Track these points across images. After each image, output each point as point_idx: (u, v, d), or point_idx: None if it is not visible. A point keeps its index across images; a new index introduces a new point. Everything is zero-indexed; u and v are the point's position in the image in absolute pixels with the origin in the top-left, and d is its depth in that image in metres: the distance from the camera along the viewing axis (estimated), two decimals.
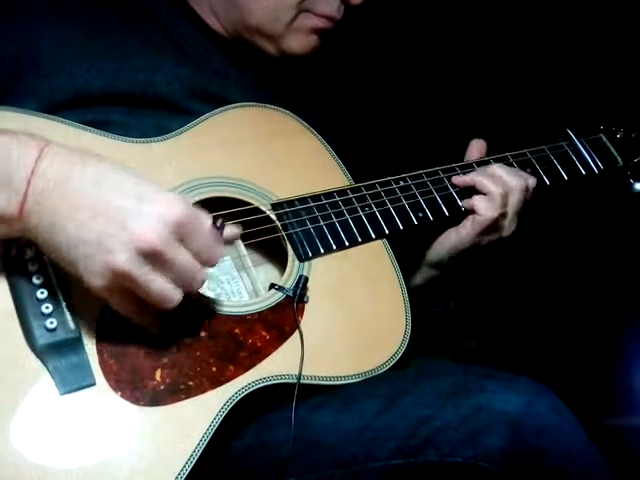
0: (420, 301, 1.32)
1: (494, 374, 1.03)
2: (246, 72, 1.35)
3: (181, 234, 0.88)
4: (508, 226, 1.29)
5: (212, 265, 0.94)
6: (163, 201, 0.87)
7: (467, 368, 1.08)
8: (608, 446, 1.05)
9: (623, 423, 1.95)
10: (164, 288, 0.88)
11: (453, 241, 1.29)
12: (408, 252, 1.30)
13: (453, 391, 1.00)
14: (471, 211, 1.27)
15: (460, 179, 1.30)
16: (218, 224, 0.95)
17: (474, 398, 0.98)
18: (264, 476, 1.02)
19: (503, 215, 1.27)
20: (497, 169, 1.29)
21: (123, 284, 0.87)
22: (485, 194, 1.27)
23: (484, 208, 1.25)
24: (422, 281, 1.37)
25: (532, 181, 1.31)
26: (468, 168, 1.32)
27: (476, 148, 1.38)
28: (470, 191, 1.28)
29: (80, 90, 1.16)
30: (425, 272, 1.36)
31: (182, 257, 0.88)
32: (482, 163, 1.34)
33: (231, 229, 1.02)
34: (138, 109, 1.20)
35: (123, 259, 0.84)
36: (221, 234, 0.96)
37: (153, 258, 0.86)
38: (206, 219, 0.92)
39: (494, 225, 1.27)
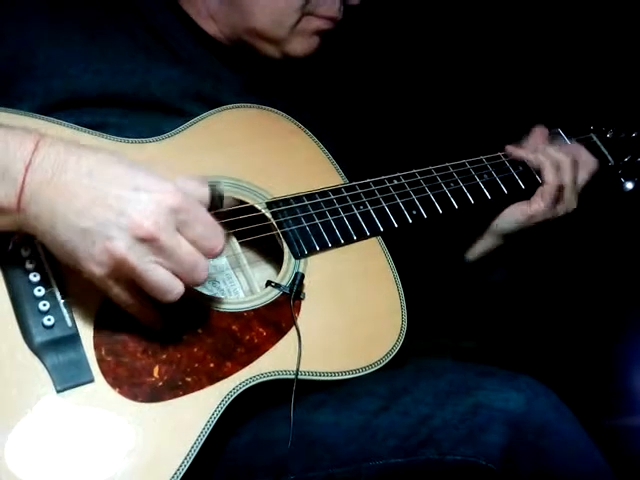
0: (477, 272, 1.40)
1: (493, 372, 1.03)
2: (238, 75, 1.35)
3: (179, 221, 0.87)
4: (571, 199, 1.35)
5: (214, 255, 0.91)
6: (160, 189, 0.87)
7: (466, 366, 1.08)
8: (608, 446, 1.06)
9: (623, 423, 1.95)
10: (163, 277, 0.87)
11: (534, 214, 1.34)
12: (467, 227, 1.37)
13: (452, 389, 1.01)
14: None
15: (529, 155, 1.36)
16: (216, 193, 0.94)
17: (473, 396, 0.99)
18: (263, 474, 1.02)
19: (569, 186, 1.33)
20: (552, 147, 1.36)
21: (122, 272, 0.86)
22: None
23: (552, 176, 1.32)
24: (482, 251, 1.40)
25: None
26: (460, 167, 1.33)
27: (539, 134, 1.40)
28: (462, 192, 1.30)
29: (76, 91, 1.16)
30: (489, 242, 1.39)
31: (182, 245, 0.88)
32: (474, 162, 1.35)
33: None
34: (133, 111, 1.20)
35: (122, 246, 0.84)
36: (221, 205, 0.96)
37: (152, 245, 0.85)
38: (204, 207, 0.91)
39: (561, 194, 1.33)
